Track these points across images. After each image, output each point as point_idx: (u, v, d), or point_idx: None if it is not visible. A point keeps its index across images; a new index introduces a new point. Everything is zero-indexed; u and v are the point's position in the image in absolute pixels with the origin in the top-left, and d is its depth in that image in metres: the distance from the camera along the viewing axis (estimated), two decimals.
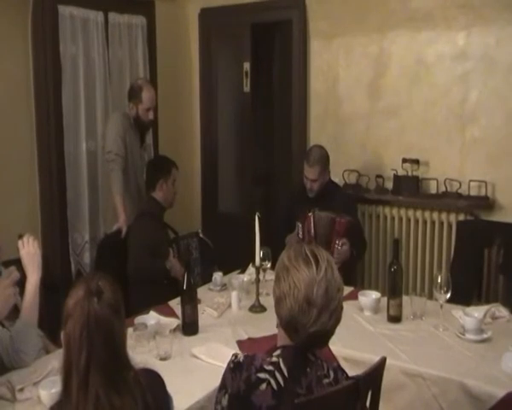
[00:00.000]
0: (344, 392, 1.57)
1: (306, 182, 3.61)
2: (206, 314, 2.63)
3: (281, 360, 1.52)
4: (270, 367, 1.51)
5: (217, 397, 1.58)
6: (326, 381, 1.53)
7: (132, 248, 3.26)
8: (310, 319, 1.49)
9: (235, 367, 1.54)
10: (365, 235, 3.92)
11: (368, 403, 1.71)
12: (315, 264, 1.52)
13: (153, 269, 3.20)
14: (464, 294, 2.96)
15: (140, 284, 3.14)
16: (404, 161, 3.90)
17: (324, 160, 3.60)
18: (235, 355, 1.58)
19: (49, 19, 3.69)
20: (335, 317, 1.53)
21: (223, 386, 1.56)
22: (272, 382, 1.49)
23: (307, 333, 1.51)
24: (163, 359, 2.17)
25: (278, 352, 1.55)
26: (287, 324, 1.54)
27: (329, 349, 2.24)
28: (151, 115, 3.74)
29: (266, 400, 1.48)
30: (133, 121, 3.73)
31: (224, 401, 1.53)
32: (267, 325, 2.26)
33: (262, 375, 1.50)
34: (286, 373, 1.50)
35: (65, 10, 3.77)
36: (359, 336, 2.43)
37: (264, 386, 1.49)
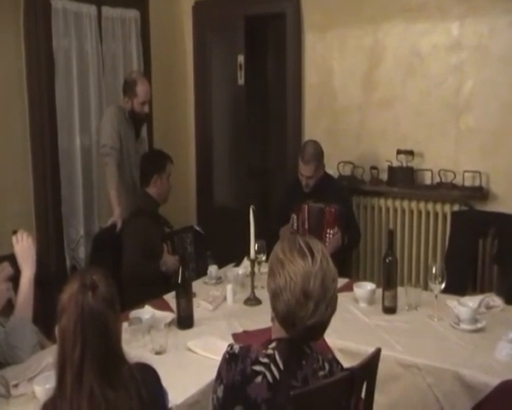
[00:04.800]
0: (339, 384, 1.57)
1: (302, 179, 3.61)
2: (201, 308, 2.63)
3: (276, 353, 1.52)
4: (265, 360, 1.51)
5: (213, 386, 1.58)
6: (321, 373, 1.54)
7: (126, 250, 3.23)
8: (307, 312, 1.49)
9: (230, 358, 1.54)
10: (360, 226, 3.92)
11: (363, 394, 1.72)
12: (310, 256, 1.51)
13: (147, 271, 3.17)
14: (459, 284, 2.98)
15: (135, 284, 3.11)
16: (399, 152, 3.90)
17: (319, 156, 3.61)
18: (231, 346, 1.58)
19: (42, 12, 3.65)
20: (331, 307, 1.53)
21: (218, 376, 1.56)
22: (268, 374, 1.49)
23: (305, 326, 1.51)
24: (158, 353, 2.17)
25: (274, 344, 1.55)
26: (284, 318, 1.53)
27: (324, 341, 2.25)
28: (146, 109, 3.73)
29: (262, 392, 1.48)
30: (128, 115, 3.72)
31: (220, 392, 1.54)
32: (262, 318, 2.26)
33: (257, 367, 1.50)
34: (281, 366, 1.50)
35: (57, 4, 3.74)
36: (354, 328, 2.43)
37: (259, 379, 1.49)
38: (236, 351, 1.55)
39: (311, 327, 1.51)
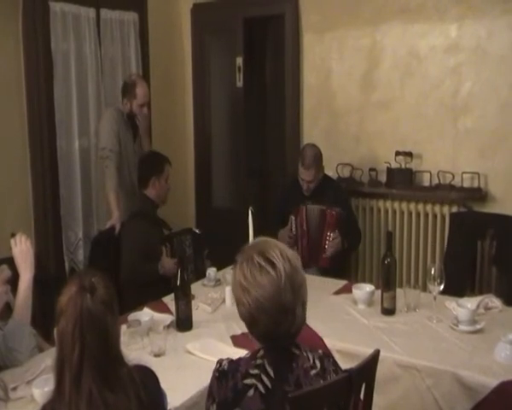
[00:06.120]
0: (337, 385, 1.57)
1: (303, 183, 3.61)
2: (199, 310, 2.63)
3: (265, 361, 1.50)
4: (255, 371, 1.49)
5: (206, 405, 1.56)
6: (313, 372, 1.52)
7: (125, 253, 3.22)
8: (287, 324, 1.48)
9: (220, 376, 1.52)
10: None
11: (362, 396, 1.71)
12: (272, 269, 1.47)
13: (146, 274, 3.16)
14: (457, 285, 2.97)
15: (134, 287, 3.11)
16: (398, 153, 3.91)
17: (319, 160, 3.61)
18: (220, 363, 1.55)
19: (41, 15, 3.65)
20: (305, 301, 1.52)
21: (210, 395, 1.54)
22: (259, 386, 1.47)
23: (289, 334, 1.51)
24: (157, 355, 2.16)
25: (261, 353, 1.53)
26: (265, 339, 1.52)
27: (312, 331, 2.26)
28: (145, 111, 3.74)
29: (255, 405, 1.47)
30: (126, 117, 3.72)
31: None
32: None
33: (248, 381, 1.48)
34: (272, 374, 1.49)
35: (56, 6, 3.74)
36: (353, 330, 2.43)
37: (251, 392, 1.47)
38: (226, 367, 1.53)
39: (294, 332, 1.51)
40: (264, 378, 1.48)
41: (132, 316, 2.42)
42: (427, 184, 3.88)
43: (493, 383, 1.95)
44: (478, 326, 2.33)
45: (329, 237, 3.48)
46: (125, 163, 3.72)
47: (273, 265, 1.48)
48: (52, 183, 3.78)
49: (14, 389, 1.91)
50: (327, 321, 2.46)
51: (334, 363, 1.60)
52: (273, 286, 1.46)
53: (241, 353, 1.76)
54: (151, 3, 4.45)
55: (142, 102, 3.69)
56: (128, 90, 3.69)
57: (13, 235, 2.24)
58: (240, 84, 4.60)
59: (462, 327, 2.33)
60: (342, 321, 2.50)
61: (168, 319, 2.47)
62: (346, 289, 2.81)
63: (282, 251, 1.51)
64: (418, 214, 3.90)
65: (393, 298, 2.55)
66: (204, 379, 1.90)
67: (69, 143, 3.90)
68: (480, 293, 3.09)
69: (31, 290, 2.18)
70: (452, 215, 3.70)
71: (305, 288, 1.54)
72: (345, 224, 3.55)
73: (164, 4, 4.65)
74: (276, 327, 1.48)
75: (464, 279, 3.39)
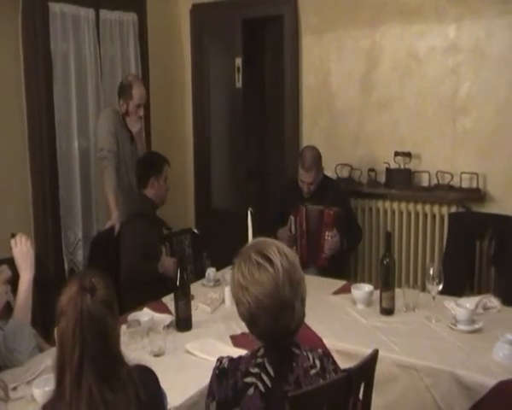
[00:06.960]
0: (336, 385, 1.58)
1: (303, 185, 3.62)
2: (199, 310, 2.64)
3: (265, 360, 1.51)
4: (255, 370, 1.50)
5: (206, 403, 1.57)
6: (313, 372, 1.53)
7: (125, 252, 3.23)
8: (286, 319, 1.49)
9: (220, 374, 1.52)
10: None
11: (361, 395, 1.72)
12: (269, 265, 1.48)
13: (146, 273, 3.17)
14: (456, 285, 2.98)
15: (133, 286, 3.12)
16: (397, 154, 3.92)
17: (318, 161, 3.62)
18: (220, 361, 1.56)
19: (40, 16, 3.66)
20: (304, 296, 1.53)
21: (210, 393, 1.55)
22: (259, 384, 1.48)
23: (289, 331, 1.51)
24: (157, 355, 2.17)
25: (262, 352, 1.53)
26: (266, 338, 1.53)
27: (312, 331, 2.27)
28: (141, 112, 3.73)
29: (255, 403, 1.47)
30: (123, 118, 3.72)
31: (213, 409, 1.53)
32: None
33: (248, 379, 1.49)
34: (272, 373, 1.49)
35: (55, 7, 3.75)
36: (352, 329, 2.44)
37: (251, 391, 1.48)
38: (226, 365, 1.53)
39: (294, 328, 1.52)
40: (264, 377, 1.49)
41: (132, 316, 2.42)
42: (425, 184, 3.88)
43: (491, 382, 1.96)
44: (476, 326, 2.34)
45: (328, 236, 3.49)
46: (123, 164, 3.72)
47: (271, 262, 1.49)
48: (51, 183, 3.79)
49: (15, 389, 1.92)
50: (326, 321, 2.47)
51: (334, 363, 1.60)
52: (272, 283, 1.47)
53: (240, 353, 1.76)
54: (150, 4, 4.46)
55: (139, 102, 3.68)
56: (124, 91, 3.69)
57: (13, 235, 2.25)
58: (239, 84, 4.61)
59: (461, 327, 2.34)
60: (341, 321, 2.51)
61: (168, 319, 2.48)
62: (345, 290, 2.82)
63: (279, 248, 1.52)
64: (417, 215, 3.91)
65: (392, 298, 2.56)
66: (204, 379, 1.90)
67: (69, 144, 3.91)
68: (479, 293, 3.10)
69: (31, 291, 2.19)
70: (451, 215, 3.71)
71: (304, 284, 1.54)
72: (344, 223, 3.55)
73: (163, 5, 4.66)
74: (275, 323, 1.48)
75: (463, 279, 3.40)
